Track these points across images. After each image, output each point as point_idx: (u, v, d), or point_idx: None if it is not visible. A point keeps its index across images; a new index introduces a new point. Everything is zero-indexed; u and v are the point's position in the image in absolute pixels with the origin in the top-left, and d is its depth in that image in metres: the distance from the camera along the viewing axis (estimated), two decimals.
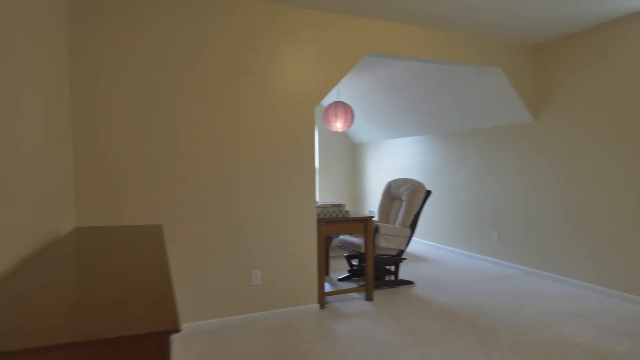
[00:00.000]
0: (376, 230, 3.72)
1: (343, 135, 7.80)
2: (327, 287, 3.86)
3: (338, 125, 5.54)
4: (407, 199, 3.93)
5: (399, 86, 5.38)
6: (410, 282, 4.01)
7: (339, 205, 3.48)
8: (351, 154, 7.92)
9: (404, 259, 3.93)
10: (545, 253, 4.19)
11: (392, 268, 4.33)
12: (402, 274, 4.36)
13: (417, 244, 6.06)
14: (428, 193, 3.97)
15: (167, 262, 1.31)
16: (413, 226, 3.92)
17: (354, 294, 3.70)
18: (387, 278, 4.08)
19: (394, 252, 3.87)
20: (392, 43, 3.53)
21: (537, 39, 4.01)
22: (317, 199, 7.64)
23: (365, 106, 6.44)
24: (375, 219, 5.26)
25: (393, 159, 6.72)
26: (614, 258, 3.56)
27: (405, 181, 4.10)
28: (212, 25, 2.93)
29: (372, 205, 7.34)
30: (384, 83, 5.53)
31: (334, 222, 3.42)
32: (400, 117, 6.01)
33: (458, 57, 3.81)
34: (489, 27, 3.66)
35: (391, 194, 4.29)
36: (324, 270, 3.35)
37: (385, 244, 3.75)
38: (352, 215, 3.57)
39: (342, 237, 4.12)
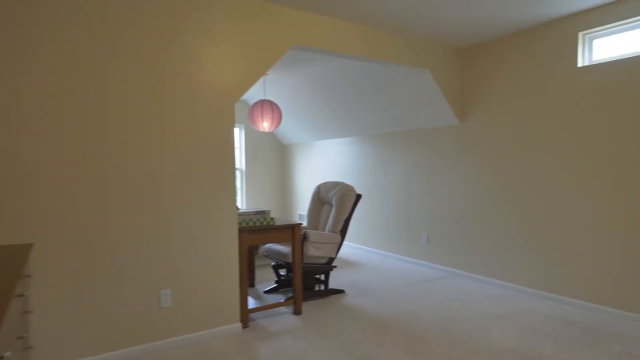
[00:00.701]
0: (305, 238, 3.46)
1: (271, 136, 7.47)
2: (252, 303, 3.51)
3: (265, 125, 5.22)
4: (337, 204, 3.72)
5: (329, 85, 5.20)
6: (341, 291, 3.81)
7: (263, 212, 3.16)
8: (280, 155, 7.62)
9: (335, 267, 3.72)
10: (470, 254, 4.24)
11: (322, 277, 4.11)
12: (333, 282, 4.15)
13: (348, 248, 5.92)
14: (358, 197, 3.80)
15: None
16: (343, 232, 3.72)
17: (281, 309, 3.40)
18: (317, 288, 3.85)
19: (324, 260, 3.64)
20: (320, 37, 3.30)
21: (462, 42, 4.04)
22: (243, 204, 7.22)
23: (294, 106, 6.18)
24: (304, 224, 5.02)
25: (324, 160, 6.54)
26: (533, 258, 3.67)
27: (335, 184, 3.89)
28: (125, 15, 2.46)
29: (303, 209, 7.09)
30: (313, 82, 5.31)
31: (257, 231, 3.09)
32: (331, 118, 5.84)
33: (387, 56, 3.69)
34: (415, 28, 3.59)
35: (321, 198, 4.06)
36: (246, 285, 3.01)
37: (315, 252, 3.50)
38: (279, 222, 3.27)
39: (268, 245, 3.81)
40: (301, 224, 3.28)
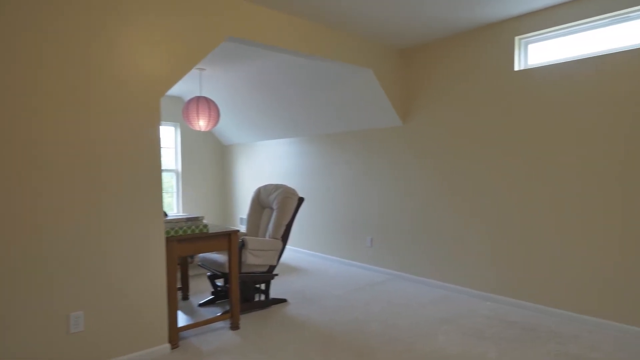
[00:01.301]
0: (243, 245, 3.20)
1: (210, 135, 7.07)
2: (183, 320, 3.18)
3: (201, 124, 4.87)
4: (278, 208, 3.50)
5: (271, 83, 4.96)
6: (283, 300, 3.59)
7: (196, 219, 2.86)
8: (221, 156, 7.23)
9: (276, 275, 3.50)
10: (414, 256, 4.21)
11: (263, 286, 3.86)
12: (274, 291, 3.92)
13: (291, 253, 5.71)
14: (301, 200, 3.60)
15: None
16: (285, 237, 3.51)
17: (217, 324, 3.11)
18: (257, 298, 3.60)
19: (264, 269, 3.40)
20: (258, 29, 3.07)
21: (405, 42, 4.00)
22: (180, 208, 6.75)
23: (233, 104, 5.86)
24: (244, 229, 4.74)
25: (267, 162, 6.28)
26: (474, 260, 3.70)
27: (276, 187, 3.67)
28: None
29: (244, 213, 6.77)
30: (253, 79, 5.05)
31: (189, 240, 2.79)
32: (273, 117, 5.60)
33: (330, 53, 3.54)
34: (358, 26, 3.47)
35: (261, 201, 3.82)
36: (176, 301, 2.69)
37: (254, 260, 3.25)
38: (214, 229, 2.99)
39: (203, 254, 3.49)
40: (238, 231, 3.02)
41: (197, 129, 4.88)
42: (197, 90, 6.00)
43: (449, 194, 3.88)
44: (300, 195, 5.61)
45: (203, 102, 4.75)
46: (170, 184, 6.73)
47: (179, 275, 4.18)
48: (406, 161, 4.25)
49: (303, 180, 5.57)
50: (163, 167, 6.51)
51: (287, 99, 5.05)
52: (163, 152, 6.49)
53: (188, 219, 2.82)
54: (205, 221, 5.73)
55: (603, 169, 2.92)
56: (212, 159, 7.12)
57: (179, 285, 4.06)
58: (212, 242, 2.89)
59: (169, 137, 6.69)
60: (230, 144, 7.03)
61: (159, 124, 2.62)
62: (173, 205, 6.76)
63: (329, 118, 4.89)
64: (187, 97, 6.47)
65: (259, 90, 5.19)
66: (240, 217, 6.83)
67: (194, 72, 4.98)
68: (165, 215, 3.10)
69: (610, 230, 2.90)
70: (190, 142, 6.83)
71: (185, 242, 2.77)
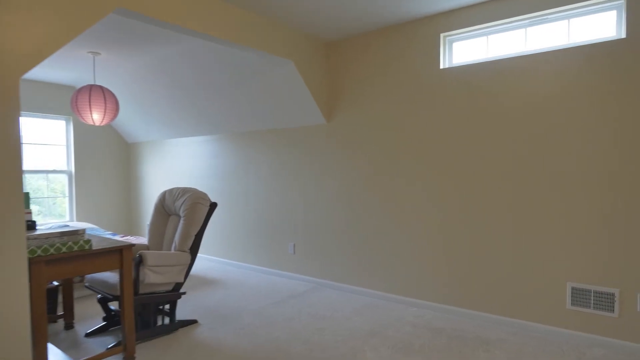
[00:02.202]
0: (140, 261, 2.67)
1: (111, 131, 6.21)
2: (59, 357, 2.56)
3: (95, 118, 4.16)
4: (186, 215, 3.01)
5: (180, 73, 4.40)
6: (192, 322, 3.10)
7: (74, 233, 2.28)
8: (125, 156, 6.39)
9: (183, 293, 3.01)
10: (337, 263, 3.98)
11: (168, 307, 3.34)
12: (183, 311, 3.41)
13: (205, 262, 5.17)
14: (213, 206, 3.15)
15: None
16: (194, 249, 3.03)
17: (108, 359, 2.55)
18: (160, 322, 3.07)
19: (169, 287, 2.89)
20: (157, 2, 2.57)
21: (330, 34, 3.75)
22: (73, 216, 5.81)
23: (137, 96, 5.16)
24: (145, 241, 4.14)
25: (178, 162, 5.65)
26: (397, 265, 3.56)
27: (184, 191, 3.17)
28: None
29: None
30: (160, 68, 4.44)
31: (63, 261, 2.20)
32: (183, 112, 5.01)
33: (246, 39, 3.14)
34: (277, 11, 3.13)
35: (166, 207, 3.29)
36: (44, 337, 2.10)
37: (155, 278, 2.74)
38: (101, 244, 2.42)
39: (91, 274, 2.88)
40: (132, 245, 2.49)
41: (91, 123, 4.16)
42: (90, 78, 5.17)
43: (374, 197, 3.70)
44: (213, 199, 5.10)
45: (97, 92, 4.05)
46: (61, 187, 5.76)
47: (60, 299, 3.46)
48: (332, 162, 4.00)
49: (218, 182, 5.08)
50: (47, 168, 5.55)
51: (199, 93, 4.53)
52: (50, 149, 5.52)
53: (63, 233, 2.23)
54: (99, 231, 4.95)
55: (527, 166, 2.92)
56: (114, 158, 6.26)
57: (60, 312, 3.35)
58: (97, 262, 2.33)
59: (58, 132, 5.72)
60: (136, 141, 6.24)
61: (17, 111, 2.02)
62: (66, 212, 5.80)
63: (246, 115, 4.47)
64: (79, 86, 5.58)
65: (167, 80, 4.59)
66: (147, 224, 6.07)
67: (86, 56, 4.24)
68: (33, 227, 2.46)
69: (523, 231, 2.91)
70: (86, 139, 5.92)
71: (58, 263, 2.18)
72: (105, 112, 4.13)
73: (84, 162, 5.89)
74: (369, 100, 3.70)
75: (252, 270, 4.72)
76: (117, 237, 4.53)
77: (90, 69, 4.71)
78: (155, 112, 5.28)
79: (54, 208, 5.73)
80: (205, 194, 3.11)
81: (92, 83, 5.23)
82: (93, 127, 5.97)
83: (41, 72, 4.89)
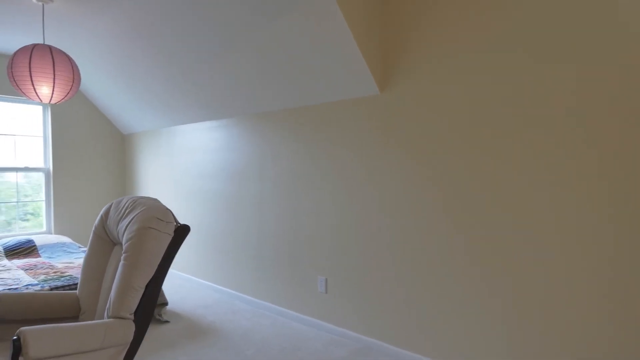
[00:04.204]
0: (18, 350, 1.33)
1: (99, 119, 5.01)
2: None
3: (42, 93, 2.91)
4: (129, 249, 1.65)
5: (164, 34, 3.08)
6: None
7: None
8: (119, 150, 5.20)
9: None
10: (394, 313, 2.51)
11: None
12: None
13: (199, 290, 3.81)
14: (181, 232, 1.77)
15: None
16: (146, 312, 1.66)
17: None
18: None
19: None
20: None
21: None
22: (51, 227, 4.64)
23: (117, 67, 3.90)
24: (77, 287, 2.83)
25: (179, 156, 4.37)
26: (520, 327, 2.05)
27: (133, 204, 1.81)
28: None
29: None
30: (139, 27, 3.13)
31: None
32: (178, 89, 3.71)
33: None
34: None
35: (108, 231, 1.94)
36: None
37: None
38: None
39: None
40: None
41: (37, 100, 2.91)
42: (37, 34, 3.70)
43: (449, 208, 2.22)
44: (216, 205, 3.76)
45: (41, 53, 2.79)
46: (36, 188, 4.62)
47: None
48: (386, 154, 2.55)
49: (221, 183, 3.73)
50: (18, 165, 4.37)
51: (189, 60, 3.20)
52: (25, 142, 4.33)
53: None
54: (71, 248, 3.73)
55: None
56: (106, 153, 5.07)
57: None
58: None
59: (32, 120, 4.58)
60: (132, 132, 5.03)
61: None
62: (42, 218, 4.65)
63: (257, 87, 3.09)
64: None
65: (145, 45, 3.28)
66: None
67: (31, 4, 2.99)
68: None
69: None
70: (70, 130, 4.76)
71: None
72: (62, 84, 2.86)
73: (66, 158, 4.72)
74: (449, 54, 2.22)
75: (265, 310, 3.33)
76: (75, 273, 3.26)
77: (37, 21, 3.33)
78: (140, 90, 4.01)
79: (31, 214, 4.59)
80: (166, 211, 1.73)
81: (38, 42, 3.82)
82: (77, 116, 4.79)
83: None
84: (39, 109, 4.61)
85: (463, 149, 2.20)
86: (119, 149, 5.17)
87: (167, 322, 3.08)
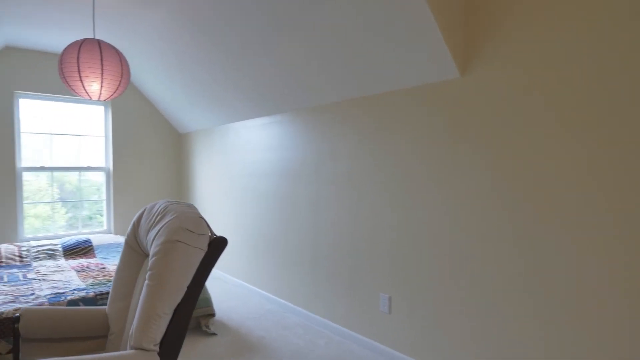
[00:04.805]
0: None
1: (157, 118, 4.98)
2: None
3: (91, 89, 2.79)
4: (154, 266, 1.37)
5: (217, 25, 2.85)
6: None
7: None
8: (176, 149, 5.16)
9: None
10: (473, 342, 2.05)
11: None
12: None
13: (249, 297, 3.55)
14: (217, 245, 1.46)
15: None
16: (175, 341, 1.38)
17: None
18: None
19: None
20: None
21: None
22: (111, 227, 4.68)
23: (173, 64, 3.78)
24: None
25: (232, 155, 4.19)
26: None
27: (164, 211, 1.54)
28: None
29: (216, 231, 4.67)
30: (204, 15, 2.94)
31: None
32: (231, 84, 3.50)
33: None
34: None
35: (139, 239, 1.69)
36: None
37: None
38: None
39: None
40: None
41: (86, 97, 2.81)
42: (88, 29, 3.59)
43: (544, 218, 1.71)
44: (267, 205, 3.48)
45: (90, 48, 2.67)
46: (98, 187, 4.69)
47: None
48: (463, 150, 2.10)
49: (275, 181, 3.46)
50: (81, 165, 4.42)
51: (243, 50, 2.94)
52: (86, 142, 4.38)
53: None
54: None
55: None
56: (164, 152, 5.05)
57: None
58: None
59: (96, 120, 4.64)
60: (188, 131, 4.96)
61: None
62: (104, 217, 4.71)
63: (314, 76, 2.75)
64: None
65: (203, 39, 3.08)
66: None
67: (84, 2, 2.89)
68: None
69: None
70: (128, 128, 4.78)
71: None
72: (102, 78, 2.73)
73: (125, 157, 4.74)
74: (536, 37, 1.72)
75: (319, 327, 2.99)
76: None
77: (90, 19, 3.25)
78: (194, 84, 3.85)
79: (93, 213, 4.67)
80: (198, 221, 1.43)
81: (91, 37, 3.76)
82: (136, 113, 4.80)
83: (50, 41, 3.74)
84: (101, 108, 4.66)
85: (559, 150, 1.69)
86: (175, 147, 5.13)
87: (214, 334, 2.85)
